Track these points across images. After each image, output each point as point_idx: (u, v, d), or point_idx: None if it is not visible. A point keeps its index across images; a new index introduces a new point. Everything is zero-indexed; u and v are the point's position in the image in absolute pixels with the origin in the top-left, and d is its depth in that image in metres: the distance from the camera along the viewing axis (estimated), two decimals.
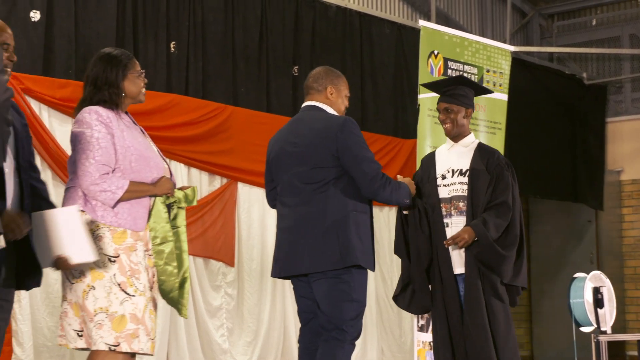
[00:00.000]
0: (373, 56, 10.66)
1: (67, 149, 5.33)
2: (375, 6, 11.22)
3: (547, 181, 12.11)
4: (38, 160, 7.38)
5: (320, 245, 4.96)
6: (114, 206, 4.20)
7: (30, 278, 3.99)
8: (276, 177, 5.24)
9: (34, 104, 7.47)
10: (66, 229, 4.03)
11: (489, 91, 6.28)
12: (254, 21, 9.48)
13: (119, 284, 4.17)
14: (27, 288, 4.08)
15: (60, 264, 4.07)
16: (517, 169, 10.68)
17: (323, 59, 10.01)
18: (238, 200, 8.80)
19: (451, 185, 5.50)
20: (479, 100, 8.12)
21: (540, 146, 11.92)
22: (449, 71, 7.94)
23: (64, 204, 4.30)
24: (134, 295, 4.19)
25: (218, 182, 8.79)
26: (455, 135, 5.58)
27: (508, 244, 5.39)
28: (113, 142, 4.28)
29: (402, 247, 5.63)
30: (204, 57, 8.94)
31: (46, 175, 7.40)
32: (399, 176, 5.35)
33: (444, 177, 5.54)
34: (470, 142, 5.60)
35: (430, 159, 5.71)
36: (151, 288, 4.35)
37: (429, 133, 7.78)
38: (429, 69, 7.86)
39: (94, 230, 4.18)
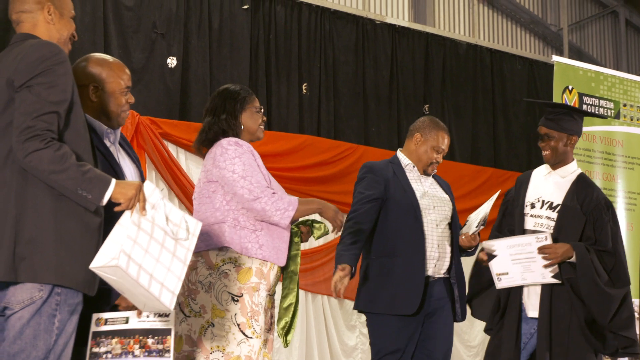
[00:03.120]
0: (505, 92, 10.56)
1: None
2: (506, 42, 11.13)
3: None
4: (176, 202, 7.55)
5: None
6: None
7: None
8: None
9: (172, 148, 7.66)
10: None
11: (593, 114, 5.72)
12: (385, 60, 9.52)
13: (238, 324, 4.08)
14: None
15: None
16: None
17: (454, 97, 9.98)
18: None
19: (538, 217, 4.81)
20: (616, 135, 7.94)
21: None
22: (584, 106, 7.79)
23: (202, 241, 4.15)
24: (251, 338, 4.11)
25: None
26: (556, 163, 4.89)
27: (614, 282, 4.66)
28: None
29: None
30: (335, 97, 9.02)
31: None
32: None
33: (532, 206, 4.84)
34: (569, 172, 4.89)
35: (524, 181, 5.00)
36: (268, 330, 4.28)
37: None
38: None
39: (219, 266, 4.12)
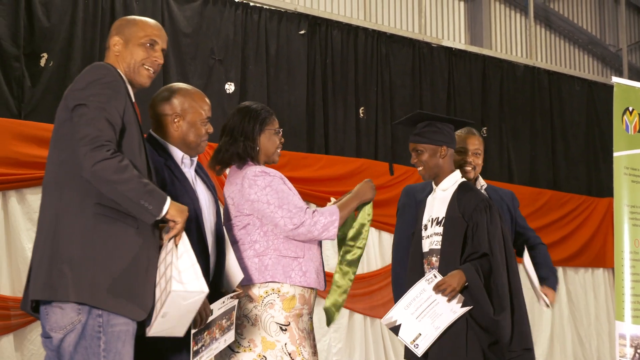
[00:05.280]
0: (563, 114, 10.47)
1: None
2: (564, 64, 11.04)
3: None
4: None
5: None
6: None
7: None
8: None
9: None
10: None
11: (464, 122, 5.31)
12: (442, 83, 9.50)
13: (289, 354, 4.08)
14: None
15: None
16: None
17: (512, 119, 9.91)
18: None
19: (430, 236, 4.65)
20: None
21: None
22: None
23: (250, 275, 4.15)
24: None
25: None
26: (433, 177, 4.76)
27: (501, 303, 4.44)
28: None
29: None
30: (392, 121, 9.01)
31: None
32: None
33: (426, 228, 4.70)
34: (450, 184, 4.72)
35: (421, 208, 4.90)
36: (314, 353, 4.25)
37: (627, 192, 7.53)
38: (624, 126, 7.64)
39: (263, 298, 4.09)
